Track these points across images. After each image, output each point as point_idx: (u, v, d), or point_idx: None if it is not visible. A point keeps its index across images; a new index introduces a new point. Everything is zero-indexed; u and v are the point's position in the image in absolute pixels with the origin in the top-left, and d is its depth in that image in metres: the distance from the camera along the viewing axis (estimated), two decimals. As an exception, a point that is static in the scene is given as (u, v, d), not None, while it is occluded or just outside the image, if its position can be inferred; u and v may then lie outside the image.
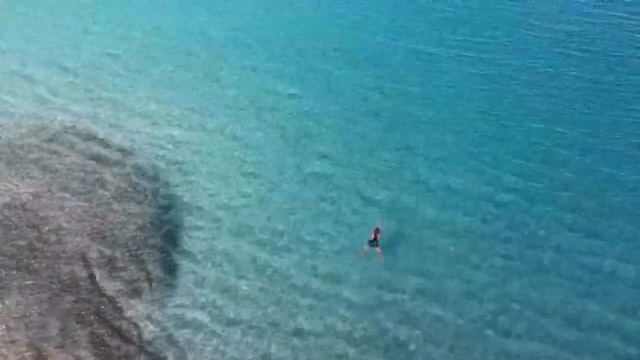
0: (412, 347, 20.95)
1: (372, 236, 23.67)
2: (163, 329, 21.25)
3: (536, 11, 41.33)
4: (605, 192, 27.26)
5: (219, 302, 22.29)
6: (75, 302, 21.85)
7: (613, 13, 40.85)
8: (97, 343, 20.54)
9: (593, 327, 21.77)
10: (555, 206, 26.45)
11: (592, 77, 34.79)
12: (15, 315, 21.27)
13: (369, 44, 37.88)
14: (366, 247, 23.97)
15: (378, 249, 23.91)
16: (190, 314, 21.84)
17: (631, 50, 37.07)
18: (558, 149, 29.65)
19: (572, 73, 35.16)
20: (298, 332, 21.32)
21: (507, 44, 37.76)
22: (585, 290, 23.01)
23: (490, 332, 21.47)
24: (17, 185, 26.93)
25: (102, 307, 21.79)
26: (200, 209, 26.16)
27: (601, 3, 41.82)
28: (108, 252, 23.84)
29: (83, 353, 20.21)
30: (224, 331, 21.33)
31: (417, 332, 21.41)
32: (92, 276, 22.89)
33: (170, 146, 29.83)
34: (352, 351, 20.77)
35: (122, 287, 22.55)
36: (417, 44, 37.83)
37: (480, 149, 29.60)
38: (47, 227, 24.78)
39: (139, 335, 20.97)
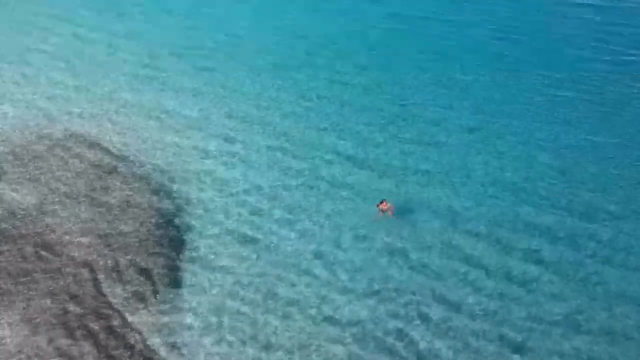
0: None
1: (380, 212, 24.95)
2: (169, 338, 20.92)
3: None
4: None
5: (224, 310, 21.96)
6: (81, 311, 21.62)
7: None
8: (102, 352, 20.26)
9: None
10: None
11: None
12: (20, 325, 21.04)
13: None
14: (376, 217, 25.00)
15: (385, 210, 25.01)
16: (196, 323, 21.49)
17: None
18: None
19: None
20: (306, 342, 20.92)
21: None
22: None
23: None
24: (21, 193, 26.84)
25: (108, 315, 21.52)
26: (205, 216, 25.92)
27: None
28: (113, 260, 23.61)
29: (88, 363, 20.00)
30: (229, 339, 20.94)
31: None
32: (97, 285, 22.68)
33: (175, 154, 29.70)
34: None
35: (127, 296, 22.28)
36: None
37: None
38: (51, 236, 24.62)
39: (144, 344, 20.68)
